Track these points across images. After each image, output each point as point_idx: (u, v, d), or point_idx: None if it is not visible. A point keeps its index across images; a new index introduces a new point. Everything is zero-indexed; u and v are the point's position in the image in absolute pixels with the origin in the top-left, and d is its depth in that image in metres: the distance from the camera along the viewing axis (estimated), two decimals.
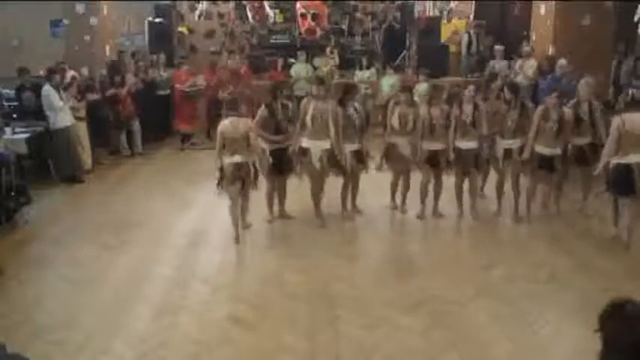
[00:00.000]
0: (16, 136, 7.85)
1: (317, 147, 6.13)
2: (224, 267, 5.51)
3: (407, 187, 6.70)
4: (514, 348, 4.10)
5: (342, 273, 5.30)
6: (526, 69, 9.74)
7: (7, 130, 7.89)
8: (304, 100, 6.30)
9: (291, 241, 6.05)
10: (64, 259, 5.73)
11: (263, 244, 6.09)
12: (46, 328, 4.38)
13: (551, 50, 9.94)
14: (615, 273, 5.18)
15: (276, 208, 6.62)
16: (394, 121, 6.41)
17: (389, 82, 10.21)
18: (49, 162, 8.27)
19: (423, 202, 6.58)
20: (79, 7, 9.93)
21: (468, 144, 6.35)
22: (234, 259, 5.71)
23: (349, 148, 6.29)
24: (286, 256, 5.66)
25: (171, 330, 4.36)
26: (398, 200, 6.86)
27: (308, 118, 6.06)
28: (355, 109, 6.36)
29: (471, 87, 6.49)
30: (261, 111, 6.25)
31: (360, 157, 6.41)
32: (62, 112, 8.01)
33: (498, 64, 10.59)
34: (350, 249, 5.87)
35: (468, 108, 6.34)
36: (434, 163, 6.39)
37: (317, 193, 6.34)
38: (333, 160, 6.21)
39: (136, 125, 9.63)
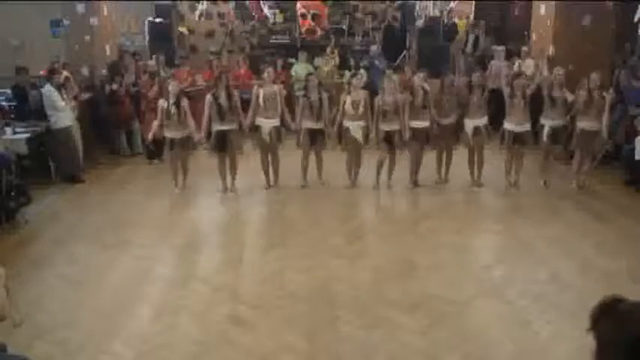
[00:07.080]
0: (16, 136, 7.85)
1: (267, 124, 7.39)
2: (224, 267, 5.52)
3: (358, 165, 7.64)
4: (514, 348, 4.11)
5: (343, 273, 5.30)
6: (525, 69, 9.74)
7: (8, 130, 7.90)
8: (254, 88, 7.60)
9: (291, 241, 6.05)
10: (64, 258, 5.73)
11: (263, 244, 6.09)
12: (46, 328, 4.38)
13: (551, 50, 9.94)
14: (615, 273, 5.18)
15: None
16: (347, 106, 7.25)
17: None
18: (49, 162, 8.28)
19: (378, 173, 7.56)
20: (79, 7, 9.88)
21: (420, 123, 7.39)
22: (234, 259, 5.70)
23: (308, 125, 7.41)
24: (286, 256, 5.66)
25: (171, 330, 4.37)
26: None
27: (261, 101, 7.31)
28: (320, 97, 7.37)
29: (421, 75, 7.60)
30: (208, 98, 7.26)
31: (315, 136, 7.42)
32: (63, 111, 8.02)
33: (498, 64, 10.58)
34: (350, 249, 5.87)
35: (419, 94, 7.35)
36: (389, 141, 7.33)
37: (264, 162, 7.66)
38: (279, 135, 7.55)
39: (136, 125, 9.62)
